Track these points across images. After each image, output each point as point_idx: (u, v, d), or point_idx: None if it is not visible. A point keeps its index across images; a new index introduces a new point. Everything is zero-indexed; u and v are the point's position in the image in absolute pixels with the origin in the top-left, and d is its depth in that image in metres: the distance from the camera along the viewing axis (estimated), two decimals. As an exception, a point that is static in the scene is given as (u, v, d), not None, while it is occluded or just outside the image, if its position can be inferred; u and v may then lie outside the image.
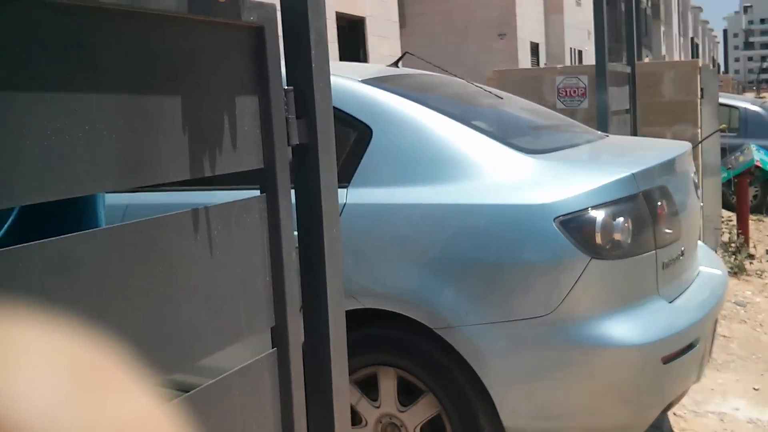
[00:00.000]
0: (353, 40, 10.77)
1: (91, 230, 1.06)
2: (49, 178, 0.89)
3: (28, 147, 0.85)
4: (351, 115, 2.42)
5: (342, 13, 9.91)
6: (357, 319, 2.33)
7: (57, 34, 0.91)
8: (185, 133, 1.10)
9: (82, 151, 0.93)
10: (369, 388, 2.34)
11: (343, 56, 9.80)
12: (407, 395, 2.27)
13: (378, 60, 10.18)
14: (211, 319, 1.15)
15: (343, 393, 1.43)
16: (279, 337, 1.31)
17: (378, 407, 2.32)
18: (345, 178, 2.41)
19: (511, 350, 2.10)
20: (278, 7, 1.28)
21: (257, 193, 1.28)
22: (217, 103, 1.17)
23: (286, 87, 1.32)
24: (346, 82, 2.50)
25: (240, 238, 1.21)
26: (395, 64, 3.13)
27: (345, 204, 2.31)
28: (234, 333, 1.21)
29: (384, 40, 11.29)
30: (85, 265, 0.94)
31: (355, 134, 2.43)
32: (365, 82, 2.53)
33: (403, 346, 2.24)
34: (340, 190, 2.26)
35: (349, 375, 2.21)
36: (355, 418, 2.35)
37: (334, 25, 9.41)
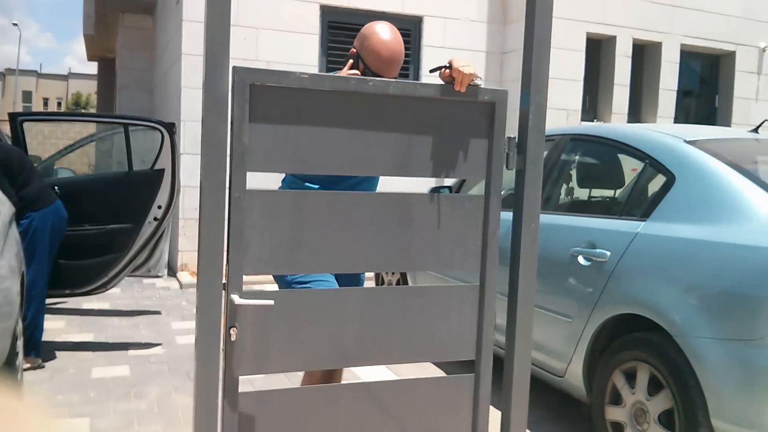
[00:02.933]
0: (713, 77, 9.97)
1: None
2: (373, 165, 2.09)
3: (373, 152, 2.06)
4: (663, 165, 3.09)
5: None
6: (629, 324, 3.00)
7: (371, 105, 2.10)
8: (433, 154, 2.17)
9: (374, 156, 2.09)
10: (630, 378, 2.96)
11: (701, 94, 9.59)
12: (654, 387, 2.83)
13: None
14: (433, 253, 2.19)
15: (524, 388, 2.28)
16: (482, 279, 2.26)
17: (634, 394, 2.92)
18: (645, 214, 3.10)
19: (727, 363, 2.51)
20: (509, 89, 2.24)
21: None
22: (460, 141, 2.21)
23: (510, 136, 2.26)
24: (671, 140, 3.16)
25: (462, 215, 2.22)
26: (755, 130, 3.50)
27: (637, 233, 3.02)
28: (448, 263, 2.23)
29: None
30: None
31: (663, 180, 3.08)
32: (688, 142, 3.13)
33: (654, 348, 2.81)
34: (638, 222, 3.01)
35: (619, 366, 2.95)
36: (618, 399, 3.01)
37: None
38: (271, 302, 1.95)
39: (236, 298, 1.93)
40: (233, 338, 1.95)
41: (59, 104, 53.75)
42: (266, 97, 1.97)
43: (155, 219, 4.59)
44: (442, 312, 2.23)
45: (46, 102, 54.06)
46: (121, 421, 3.41)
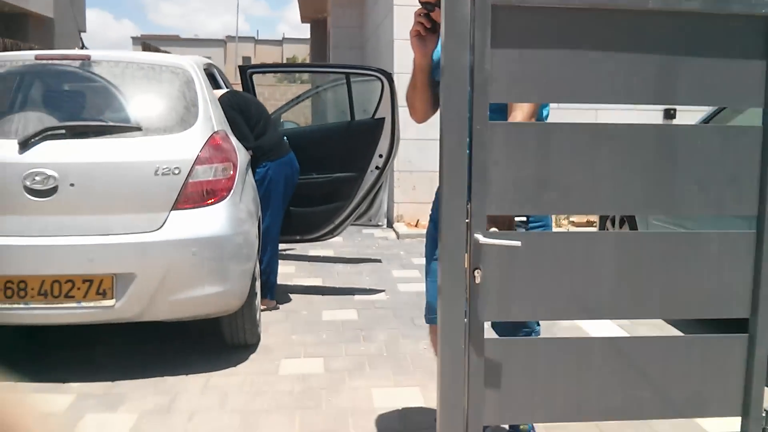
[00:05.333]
0: None
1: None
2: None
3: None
4: None
5: None
6: None
7: (627, 24, 1.84)
8: (700, 78, 1.86)
9: (631, 82, 1.84)
10: None
11: None
12: None
13: None
14: (699, 195, 1.90)
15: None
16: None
17: None
18: None
19: None
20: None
21: None
22: (731, 63, 1.88)
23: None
24: None
25: (735, 150, 1.90)
26: None
27: None
28: (717, 206, 1.93)
29: None
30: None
31: None
32: None
33: None
34: None
35: None
36: None
37: None
38: (517, 243, 1.80)
39: (480, 238, 1.81)
40: (477, 281, 1.84)
41: (276, 68, 57.23)
42: (510, 19, 1.80)
43: (377, 168, 4.64)
44: (710, 262, 1.94)
45: (264, 67, 57.91)
46: (352, 363, 3.50)
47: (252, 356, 3.59)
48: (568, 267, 1.89)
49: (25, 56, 3.55)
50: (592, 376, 1.96)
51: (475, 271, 1.83)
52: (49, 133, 3.13)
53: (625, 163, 1.88)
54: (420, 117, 2.39)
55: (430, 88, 2.29)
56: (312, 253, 6.02)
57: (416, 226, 7.13)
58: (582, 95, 1.89)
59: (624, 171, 1.88)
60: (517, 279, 1.88)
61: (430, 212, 2.49)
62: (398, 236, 6.91)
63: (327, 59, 15.20)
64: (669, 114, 7.40)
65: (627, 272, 1.91)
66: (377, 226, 5.17)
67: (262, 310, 4.02)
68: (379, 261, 5.80)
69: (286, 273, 5.22)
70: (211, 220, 3.19)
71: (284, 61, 55.55)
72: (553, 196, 1.88)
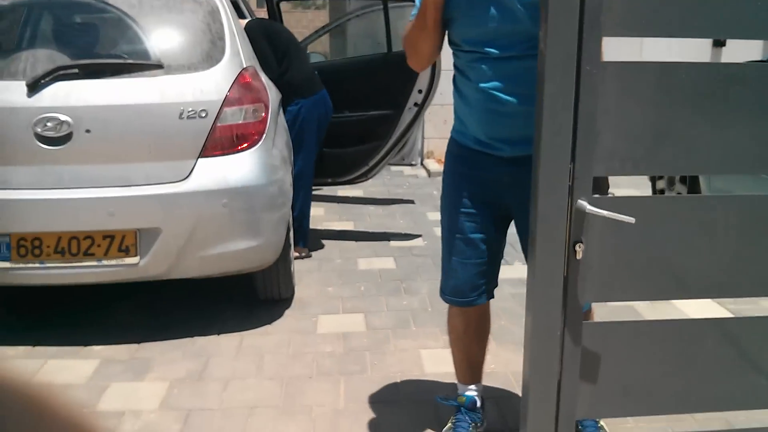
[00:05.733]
0: None
1: None
2: None
3: None
4: None
5: None
6: None
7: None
8: None
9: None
10: None
11: None
12: None
13: None
14: None
15: None
16: None
17: None
18: None
19: None
20: None
21: None
22: None
23: None
24: None
25: None
26: None
27: None
28: None
29: None
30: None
31: None
32: None
33: None
34: None
35: None
36: None
37: None
38: (632, 220, 1.46)
39: (586, 206, 1.49)
40: (579, 256, 1.52)
41: (289, -6, 55.62)
42: (632, -69, 1.43)
43: (415, 105, 4.26)
44: None
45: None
46: (396, 320, 3.24)
47: (287, 312, 3.33)
48: (684, 238, 1.57)
49: (32, -15, 3.17)
50: (701, 363, 1.67)
51: (577, 245, 1.52)
52: (61, 72, 2.78)
53: (762, 112, 1.53)
54: (424, 63, 2.04)
55: (442, 28, 1.94)
56: (340, 193, 5.71)
57: (447, 162, 6.79)
58: (712, 30, 1.52)
59: (760, 121, 1.53)
60: (624, 254, 1.56)
61: (444, 168, 2.17)
62: (429, 174, 6.57)
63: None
64: (719, 42, 6.89)
65: (756, 242, 1.59)
66: (410, 165, 4.84)
67: (294, 259, 3.75)
68: (412, 202, 5.49)
69: (316, 216, 4.92)
70: (243, 168, 2.87)
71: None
72: (671, 154, 1.54)
